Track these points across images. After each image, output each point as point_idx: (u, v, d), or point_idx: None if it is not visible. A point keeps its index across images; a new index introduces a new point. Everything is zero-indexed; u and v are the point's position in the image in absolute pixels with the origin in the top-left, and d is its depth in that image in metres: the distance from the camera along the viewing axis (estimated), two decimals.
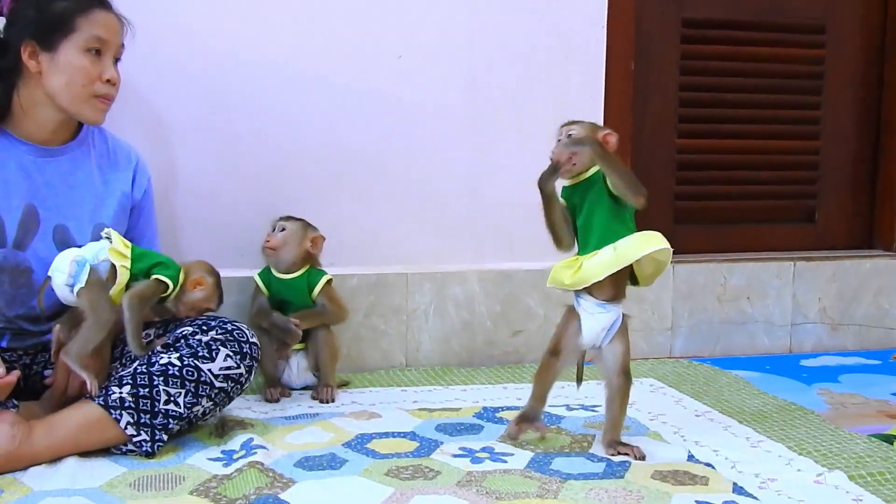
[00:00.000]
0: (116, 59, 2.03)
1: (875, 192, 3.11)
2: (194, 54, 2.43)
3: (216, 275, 2.12)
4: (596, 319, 1.94)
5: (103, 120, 2.05)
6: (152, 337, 2.05)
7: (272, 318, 2.33)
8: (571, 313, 1.98)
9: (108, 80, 1.99)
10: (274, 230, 2.35)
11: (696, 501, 1.69)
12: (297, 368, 2.37)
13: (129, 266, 1.95)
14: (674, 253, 2.83)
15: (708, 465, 1.89)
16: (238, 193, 2.51)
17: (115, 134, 2.19)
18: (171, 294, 2.02)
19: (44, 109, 2.01)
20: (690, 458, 1.93)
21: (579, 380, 2.12)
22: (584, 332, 1.95)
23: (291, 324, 2.31)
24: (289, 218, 2.37)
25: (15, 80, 1.99)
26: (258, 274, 2.38)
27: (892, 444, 2.05)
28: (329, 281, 2.38)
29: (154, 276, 1.98)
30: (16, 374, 1.88)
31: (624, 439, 1.98)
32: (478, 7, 2.61)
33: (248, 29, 2.47)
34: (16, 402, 1.90)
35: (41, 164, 2.04)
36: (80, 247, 1.99)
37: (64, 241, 2.04)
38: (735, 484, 1.78)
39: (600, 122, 2.68)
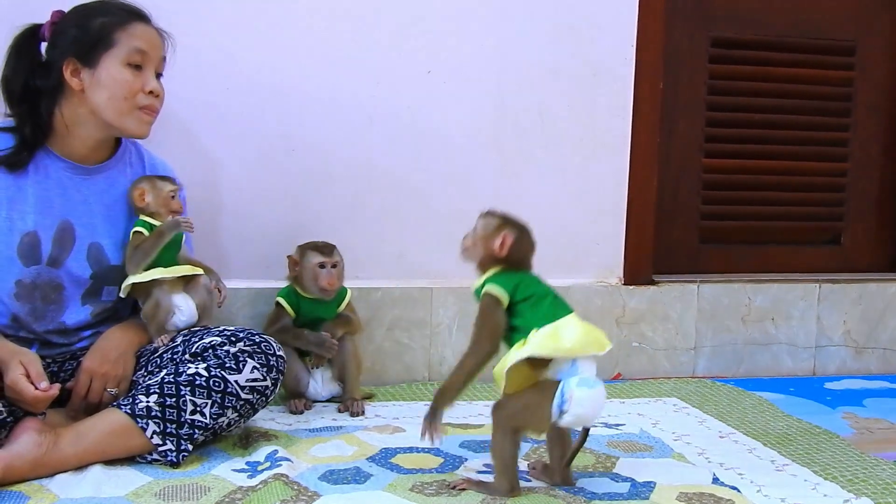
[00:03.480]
0: (159, 74, 2.04)
1: None
2: (230, 79, 2.44)
3: (149, 180, 2.11)
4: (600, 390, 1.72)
5: (148, 132, 2.05)
6: (178, 343, 2.06)
7: (305, 335, 2.32)
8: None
9: (151, 92, 2.00)
10: (325, 268, 2.30)
11: None
12: (321, 380, 2.36)
13: None
14: (698, 272, 2.86)
15: (733, 488, 1.87)
16: (268, 210, 2.51)
17: (153, 152, 2.20)
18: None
19: (86, 127, 2.01)
20: (715, 480, 1.91)
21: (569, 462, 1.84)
22: (583, 407, 1.66)
23: (327, 337, 2.31)
24: (330, 250, 2.33)
25: (58, 98, 2.00)
26: (282, 296, 2.36)
27: None
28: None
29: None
30: (57, 387, 1.89)
31: (646, 460, 1.97)
32: (506, 28, 2.61)
33: (281, 54, 2.47)
34: (44, 410, 1.91)
35: (78, 182, 2.04)
36: (113, 265, 2.05)
37: (98, 260, 2.05)
38: None
39: (627, 143, 2.70)
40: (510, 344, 1.77)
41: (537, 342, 1.69)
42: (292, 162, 2.51)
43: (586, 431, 1.76)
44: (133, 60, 1.98)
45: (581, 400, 1.65)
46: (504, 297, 1.75)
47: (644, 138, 2.73)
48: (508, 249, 1.80)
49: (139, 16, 2.01)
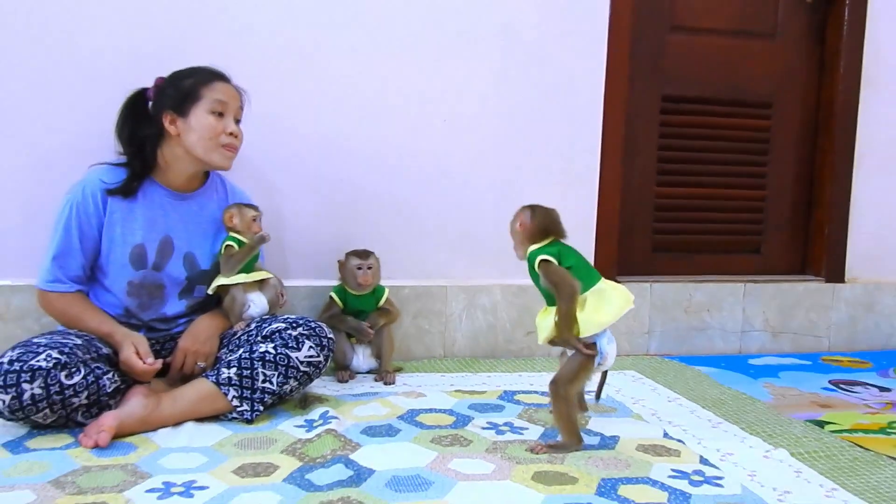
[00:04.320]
0: (237, 120, 2.03)
1: (808, 232, 3.05)
2: (290, 129, 2.43)
3: (238, 206, 2.11)
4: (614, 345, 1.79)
5: (230, 166, 2.05)
6: (252, 328, 2.05)
7: (348, 321, 2.31)
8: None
9: (231, 133, 2.00)
10: (361, 269, 2.30)
11: (672, 469, 1.66)
12: (362, 356, 2.35)
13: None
14: (651, 274, 2.84)
15: (679, 440, 1.86)
16: (319, 228, 2.49)
17: (235, 184, 2.20)
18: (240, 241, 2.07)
19: (181, 163, 2.02)
20: (665, 435, 1.90)
21: (599, 395, 2.01)
22: (610, 357, 1.77)
23: (364, 325, 2.30)
24: (366, 255, 2.32)
25: (160, 142, 2.01)
26: (334, 291, 2.36)
27: (822, 428, 2.01)
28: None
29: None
30: (160, 362, 1.89)
31: (612, 419, 1.95)
32: (502, 86, 2.60)
33: (329, 109, 2.46)
34: (149, 380, 1.91)
35: (176, 205, 2.04)
36: (203, 270, 2.07)
37: (192, 265, 2.06)
38: (701, 457, 1.75)
39: (596, 175, 2.69)
40: (551, 303, 1.77)
41: (585, 325, 1.73)
42: (338, 191, 2.50)
43: (605, 373, 1.94)
44: (215, 109, 1.98)
45: (609, 353, 1.76)
46: (554, 259, 1.77)
47: (610, 171, 2.71)
48: (529, 224, 1.84)
49: (220, 76, 2.02)
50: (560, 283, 1.74)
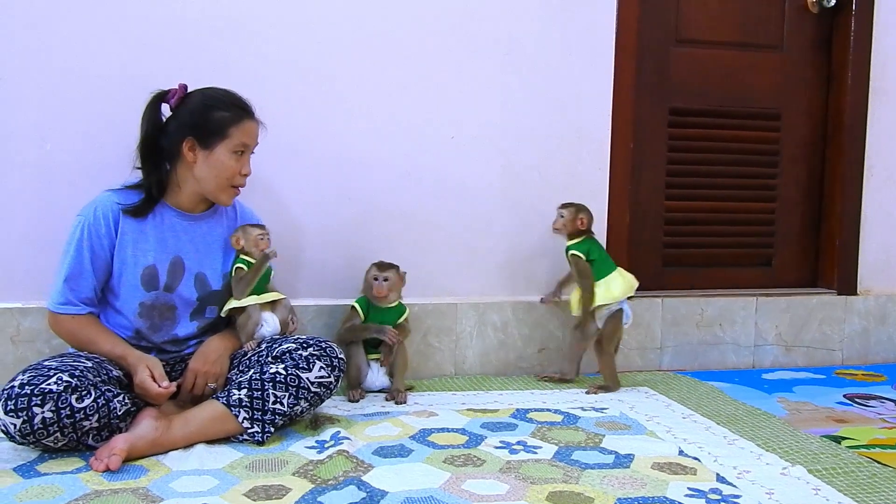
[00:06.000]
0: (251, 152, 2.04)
1: (819, 244, 3.03)
2: (300, 146, 2.42)
3: (242, 228, 2.10)
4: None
5: (231, 203, 2.07)
6: (262, 348, 2.04)
7: (370, 326, 2.31)
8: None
9: (244, 174, 2.00)
10: (378, 280, 2.31)
11: (688, 488, 1.64)
12: (376, 372, 2.33)
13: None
14: (662, 289, 2.83)
15: (695, 458, 1.84)
16: (328, 247, 2.48)
17: (243, 201, 2.18)
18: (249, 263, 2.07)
19: (192, 186, 2.01)
20: (681, 452, 1.87)
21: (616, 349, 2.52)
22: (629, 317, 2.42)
23: (386, 327, 2.30)
24: (386, 267, 2.33)
25: (174, 162, 2.00)
26: (357, 302, 2.35)
27: (839, 443, 1.99)
28: None
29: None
30: (175, 385, 1.89)
31: (626, 436, 1.94)
32: (511, 103, 2.59)
33: (340, 126, 2.46)
34: (163, 403, 1.90)
35: (186, 227, 2.04)
36: (214, 290, 2.05)
37: (203, 286, 2.05)
38: (718, 474, 1.73)
39: (605, 189, 2.69)
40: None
41: (601, 296, 2.39)
42: (347, 209, 2.49)
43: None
44: (238, 149, 1.98)
45: (630, 313, 2.43)
46: (583, 255, 2.41)
47: (618, 186, 2.71)
48: (586, 224, 2.45)
49: (249, 113, 2.01)
50: (581, 274, 2.41)
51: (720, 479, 1.71)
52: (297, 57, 2.41)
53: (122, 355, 1.91)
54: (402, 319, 2.36)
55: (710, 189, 2.91)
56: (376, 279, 2.31)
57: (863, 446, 1.97)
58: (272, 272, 2.14)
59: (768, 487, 1.67)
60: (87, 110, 2.26)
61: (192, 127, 1.97)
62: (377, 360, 2.33)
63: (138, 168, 2.02)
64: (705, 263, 2.94)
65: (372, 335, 2.31)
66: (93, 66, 2.26)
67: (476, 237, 2.61)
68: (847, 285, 2.96)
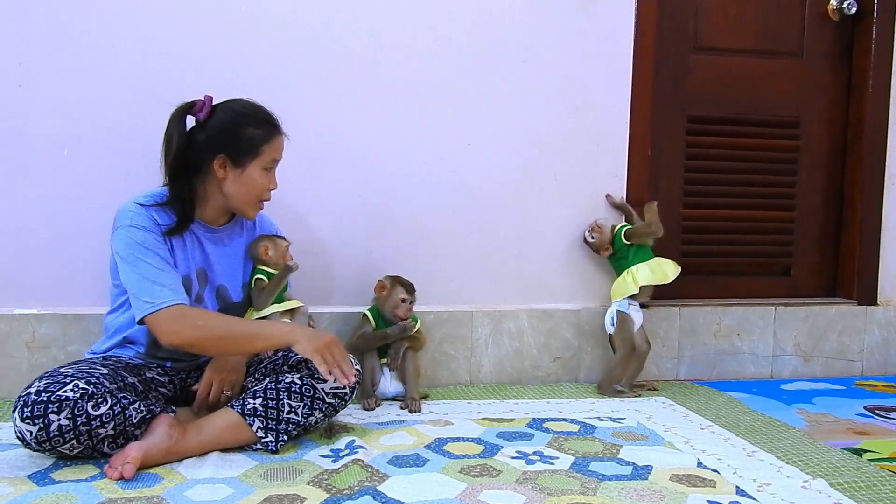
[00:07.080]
0: None
1: (838, 253, 3.00)
2: (318, 152, 2.42)
3: (271, 239, 2.12)
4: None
5: (255, 217, 2.07)
6: (279, 356, 2.03)
7: (386, 331, 2.31)
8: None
9: (271, 188, 2.00)
10: (405, 302, 2.32)
11: (707, 501, 1.62)
12: (389, 378, 2.32)
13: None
14: (679, 297, 2.80)
15: (714, 470, 1.81)
16: (343, 255, 2.49)
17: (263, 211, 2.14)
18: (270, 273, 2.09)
19: (219, 201, 2.00)
20: (699, 464, 1.85)
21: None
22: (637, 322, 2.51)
23: (403, 323, 2.30)
24: (413, 290, 2.34)
25: (202, 176, 1.97)
26: (369, 311, 2.35)
27: (860, 456, 1.96)
28: None
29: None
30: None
31: (643, 447, 1.91)
32: (528, 110, 2.58)
33: (356, 133, 2.47)
34: (174, 408, 1.89)
35: (209, 238, 2.03)
36: (234, 302, 2.06)
37: (223, 298, 2.05)
38: (737, 487, 1.71)
39: (624, 195, 2.66)
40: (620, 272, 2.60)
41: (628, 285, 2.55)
42: (363, 216, 2.49)
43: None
44: (268, 166, 1.97)
45: (615, 317, 2.53)
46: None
47: (636, 194, 2.69)
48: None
49: (279, 129, 1.99)
50: (649, 224, 2.59)
51: (740, 491, 1.68)
52: (316, 66, 2.42)
53: (277, 328, 1.89)
54: (416, 328, 2.35)
55: (728, 197, 2.89)
56: (404, 301, 2.32)
57: (885, 459, 1.94)
58: (288, 282, 2.14)
59: (789, 501, 1.64)
60: (106, 118, 2.27)
61: (223, 145, 1.93)
62: (387, 364, 2.33)
63: (165, 185, 1.97)
64: (723, 272, 2.92)
65: (395, 337, 2.31)
66: (111, 73, 2.27)
67: (492, 245, 2.60)
68: (867, 295, 2.93)
